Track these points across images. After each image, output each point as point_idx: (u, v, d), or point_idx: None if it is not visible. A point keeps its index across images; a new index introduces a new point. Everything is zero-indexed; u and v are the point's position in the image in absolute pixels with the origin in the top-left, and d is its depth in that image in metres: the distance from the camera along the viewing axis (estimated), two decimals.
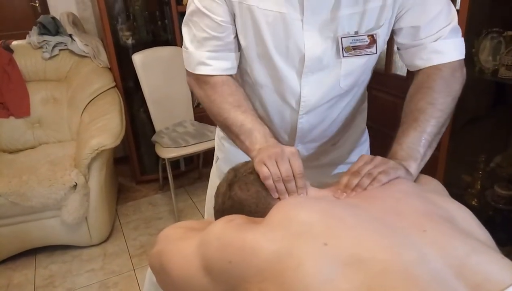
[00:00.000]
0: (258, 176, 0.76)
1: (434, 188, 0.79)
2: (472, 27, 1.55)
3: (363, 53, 0.88)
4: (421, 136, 0.81)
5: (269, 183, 0.74)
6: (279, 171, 0.74)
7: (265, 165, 0.75)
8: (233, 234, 0.63)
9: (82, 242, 2.21)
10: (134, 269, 2.07)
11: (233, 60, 0.94)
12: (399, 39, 0.92)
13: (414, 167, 0.79)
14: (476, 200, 1.78)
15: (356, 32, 0.86)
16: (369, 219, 0.62)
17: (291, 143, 1.05)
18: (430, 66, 0.89)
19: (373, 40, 0.87)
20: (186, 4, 0.93)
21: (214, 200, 0.83)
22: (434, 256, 0.56)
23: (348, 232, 0.59)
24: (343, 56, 0.88)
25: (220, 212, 0.79)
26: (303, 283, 0.53)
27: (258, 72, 0.95)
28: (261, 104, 1.02)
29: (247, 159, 0.87)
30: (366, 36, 0.86)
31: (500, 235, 0.67)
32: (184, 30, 0.95)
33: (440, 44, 0.88)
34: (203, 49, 0.92)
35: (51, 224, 2.11)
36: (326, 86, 0.93)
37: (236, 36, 0.93)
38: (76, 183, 2.03)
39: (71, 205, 2.04)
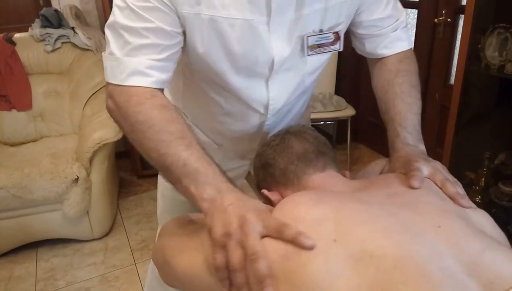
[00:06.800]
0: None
1: None
2: (479, 23, 1.54)
3: (327, 50, 0.88)
4: (416, 118, 0.87)
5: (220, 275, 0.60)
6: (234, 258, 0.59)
7: (221, 247, 0.60)
8: None
9: (83, 235, 2.20)
10: (135, 264, 2.06)
11: (171, 72, 0.81)
12: (360, 30, 0.94)
13: (423, 149, 0.84)
14: (479, 197, 1.77)
15: (321, 30, 0.85)
16: (382, 215, 0.61)
17: (254, 147, 1.00)
18: (397, 53, 0.95)
19: (337, 37, 0.87)
20: None
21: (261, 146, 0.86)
22: (447, 253, 0.55)
23: (359, 228, 0.57)
24: (308, 55, 0.86)
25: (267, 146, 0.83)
26: (313, 280, 0.53)
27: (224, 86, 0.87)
28: (224, 114, 0.96)
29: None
30: (331, 33, 0.86)
31: (503, 232, 0.68)
32: (109, 34, 0.77)
33: (401, 33, 0.95)
34: (142, 57, 0.75)
35: (53, 217, 2.10)
36: (292, 86, 0.92)
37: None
38: (77, 177, 2.02)
39: (72, 199, 2.03)
